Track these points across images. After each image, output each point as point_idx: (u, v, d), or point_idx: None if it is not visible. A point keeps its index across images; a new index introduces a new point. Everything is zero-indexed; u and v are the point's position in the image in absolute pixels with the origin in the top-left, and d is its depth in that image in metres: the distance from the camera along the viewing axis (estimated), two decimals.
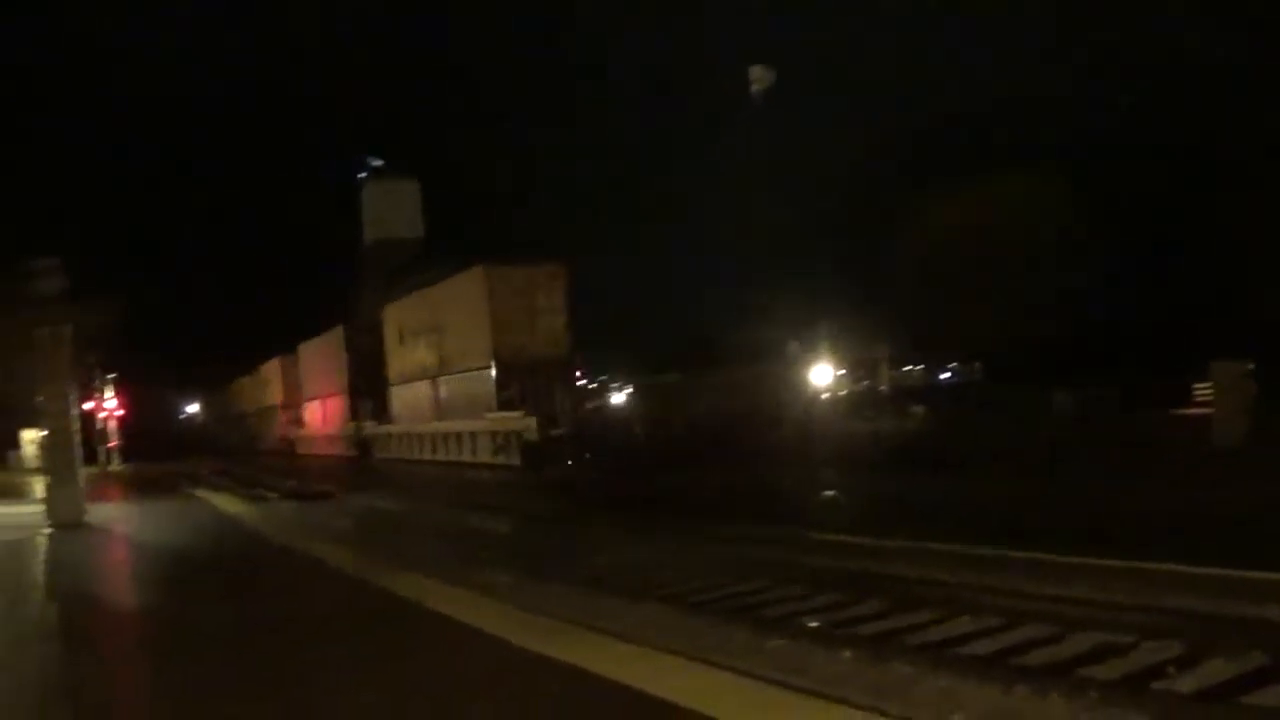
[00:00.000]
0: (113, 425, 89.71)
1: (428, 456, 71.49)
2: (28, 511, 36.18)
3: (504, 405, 62.59)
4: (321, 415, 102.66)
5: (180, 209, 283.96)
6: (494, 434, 62.11)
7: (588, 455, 53.86)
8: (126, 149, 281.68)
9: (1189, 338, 64.66)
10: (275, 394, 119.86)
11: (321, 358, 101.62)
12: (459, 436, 68.01)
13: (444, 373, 73.18)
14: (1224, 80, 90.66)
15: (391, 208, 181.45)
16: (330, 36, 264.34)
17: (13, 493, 50.06)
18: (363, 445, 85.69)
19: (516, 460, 58.22)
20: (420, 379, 77.37)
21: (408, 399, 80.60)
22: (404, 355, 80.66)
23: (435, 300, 74.71)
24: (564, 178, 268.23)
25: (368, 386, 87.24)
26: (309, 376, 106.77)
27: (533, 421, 57.79)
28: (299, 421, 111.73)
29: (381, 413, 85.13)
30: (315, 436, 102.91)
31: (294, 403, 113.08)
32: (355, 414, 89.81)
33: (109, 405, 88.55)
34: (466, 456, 65.37)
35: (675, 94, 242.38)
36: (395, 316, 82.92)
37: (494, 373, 64.48)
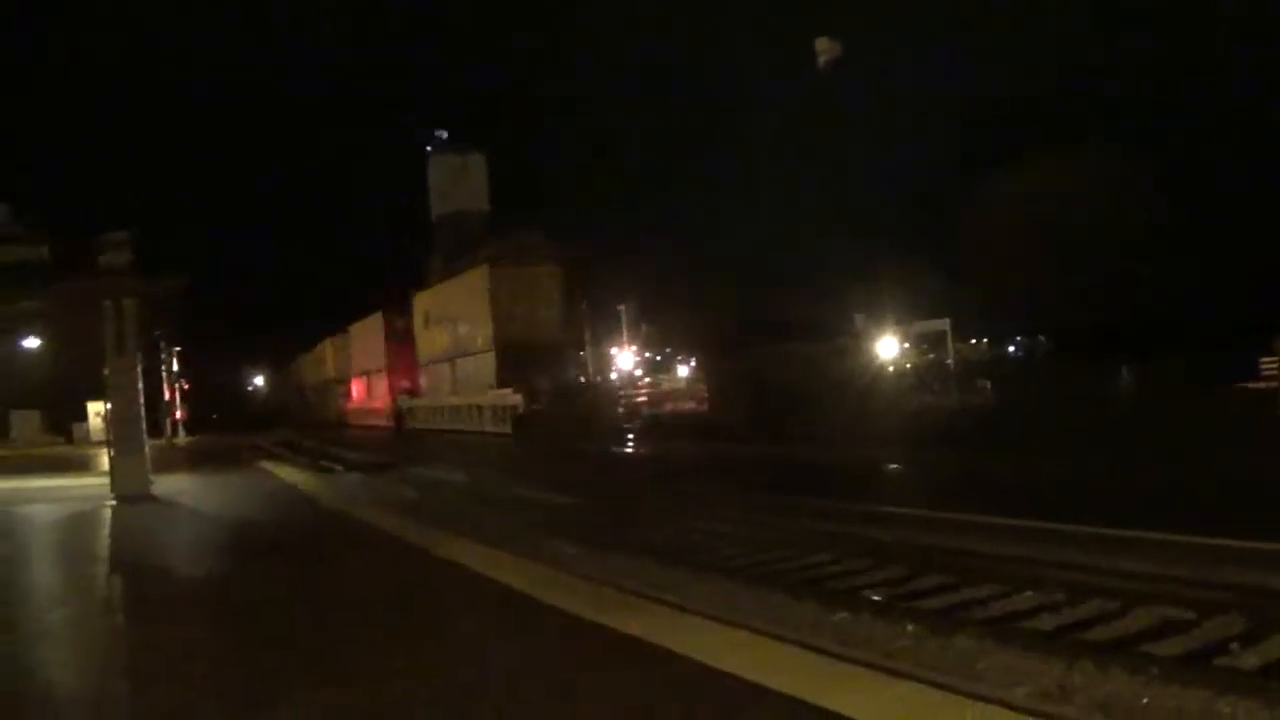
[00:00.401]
0: (178, 398, 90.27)
1: (446, 426, 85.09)
2: (93, 484, 36.39)
3: (504, 384, 76.34)
4: (367, 389, 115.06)
5: (245, 185, 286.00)
6: (494, 408, 76.95)
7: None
8: (190, 126, 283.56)
9: (1254, 313, 64.34)
10: (329, 370, 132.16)
11: (365, 338, 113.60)
12: (469, 409, 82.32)
13: (458, 354, 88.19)
14: None
15: (458, 181, 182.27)
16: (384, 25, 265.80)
17: (79, 465, 50.40)
18: (399, 417, 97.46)
19: (509, 429, 72.23)
20: (442, 360, 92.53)
21: (432, 376, 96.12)
22: (429, 339, 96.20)
23: (451, 292, 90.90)
24: (624, 156, 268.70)
25: (403, 364, 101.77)
26: (356, 355, 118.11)
27: (520, 398, 72.62)
28: (348, 394, 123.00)
29: (413, 388, 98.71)
30: (361, 409, 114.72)
31: (344, 378, 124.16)
32: (392, 389, 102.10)
33: (174, 378, 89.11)
34: (475, 426, 78.63)
35: (739, 69, 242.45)
36: (422, 304, 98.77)
37: (494, 356, 79.40)
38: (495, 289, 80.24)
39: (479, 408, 79.81)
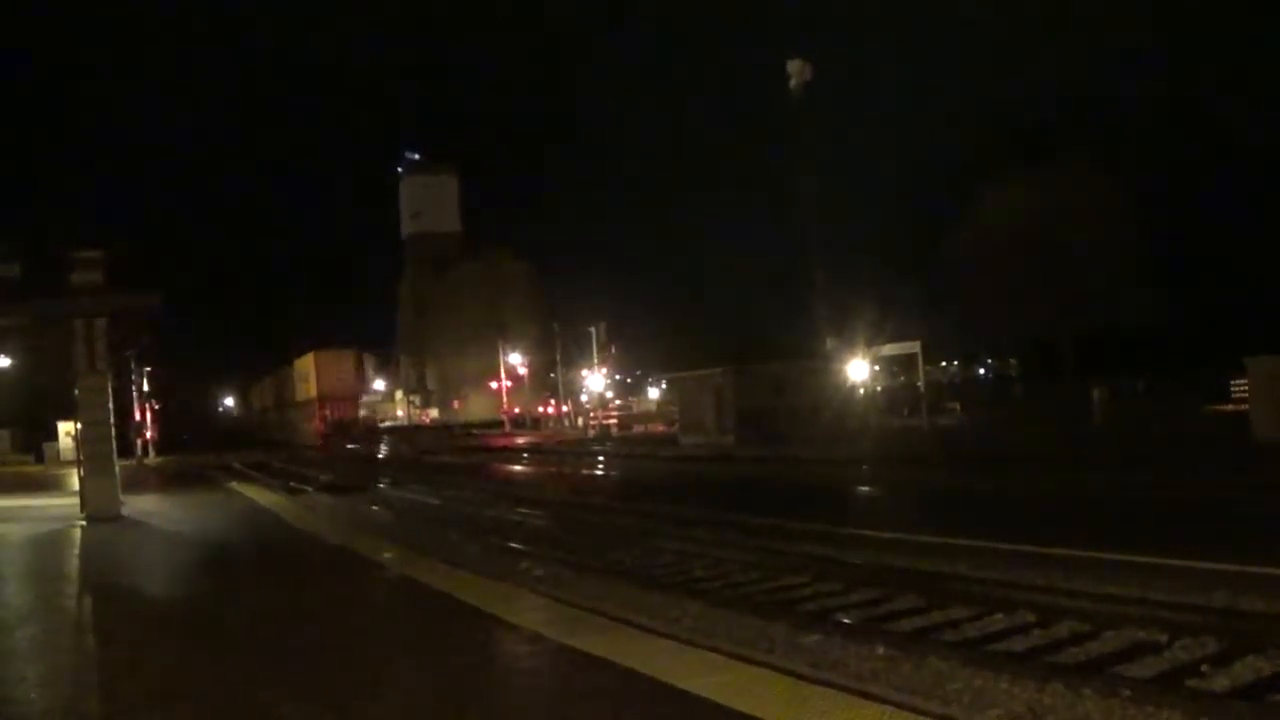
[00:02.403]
0: (149, 418, 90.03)
1: (304, 443, 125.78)
2: (63, 504, 36.28)
3: (320, 420, 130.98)
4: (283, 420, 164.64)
5: (219, 207, 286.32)
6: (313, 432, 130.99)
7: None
8: (167, 149, 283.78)
9: (1225, 333, 64.52)
10: (268, 399, 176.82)
11: (283, 381, 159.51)
12: (310, 433, 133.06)
13: (304, 400, 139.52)
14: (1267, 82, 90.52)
15: (429, 202, 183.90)
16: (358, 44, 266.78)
17: (49, 485, 50.19)
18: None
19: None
20: (303, 402, 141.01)
21: (301, 411, 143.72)
22: (298, 389, 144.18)
23: (301, 364, 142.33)
24: (598, 179, 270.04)
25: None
26: (284, 391, 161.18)
27: (320, 426, 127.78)
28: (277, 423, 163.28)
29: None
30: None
31: (272, 408, 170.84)
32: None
33: (145, 398, 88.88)
34: (310, 442, 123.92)
35: (717, 92, 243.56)
36: (297, 366, 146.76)
37: (317, 402, 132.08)
38: (319, 365, 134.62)
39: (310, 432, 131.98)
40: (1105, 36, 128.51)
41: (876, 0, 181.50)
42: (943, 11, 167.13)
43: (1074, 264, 71.41)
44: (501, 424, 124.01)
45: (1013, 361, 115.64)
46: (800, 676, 10.53)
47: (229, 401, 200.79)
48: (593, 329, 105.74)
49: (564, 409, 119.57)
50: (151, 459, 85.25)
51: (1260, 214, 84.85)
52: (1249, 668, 12.25)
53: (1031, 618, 15.03)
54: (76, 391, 31.67)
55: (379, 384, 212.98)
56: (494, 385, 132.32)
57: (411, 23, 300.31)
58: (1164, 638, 13.48)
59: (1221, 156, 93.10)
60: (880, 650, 13.93)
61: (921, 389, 68.86)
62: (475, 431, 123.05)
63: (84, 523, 29.95)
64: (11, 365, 68.55)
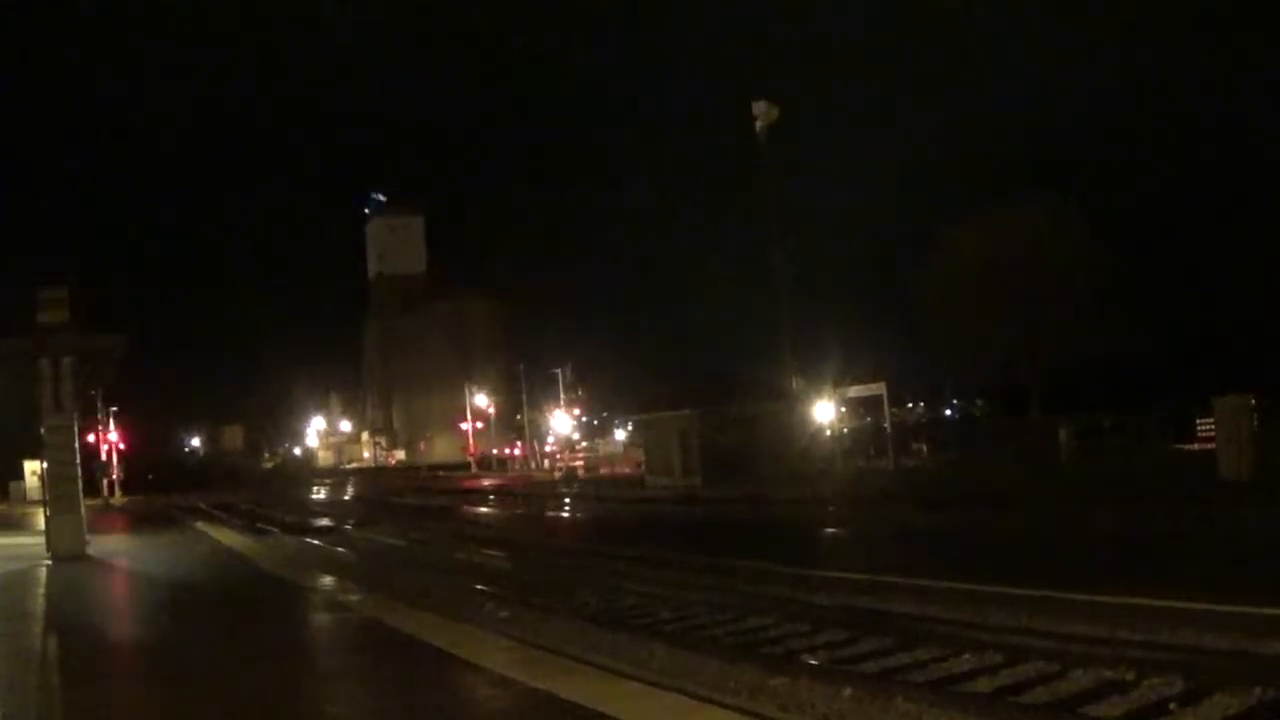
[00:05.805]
0: (115, 458, 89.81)
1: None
2: (29, 543, 36.11)
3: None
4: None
5: (185, 246, 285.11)
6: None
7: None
8: (131, 187, 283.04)
9: (1191, 371, 64.78)
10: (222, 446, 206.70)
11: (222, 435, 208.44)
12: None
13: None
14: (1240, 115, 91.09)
15: (396, 243, 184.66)
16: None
17: (14, 524, 49.95)
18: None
19: None
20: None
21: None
22: (224, 443, 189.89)
23: (219, 429, 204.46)
24: (575, 223, 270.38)
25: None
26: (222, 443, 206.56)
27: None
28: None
29: None
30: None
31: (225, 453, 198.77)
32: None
33: (111, 437, 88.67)
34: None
35: (685, 133, 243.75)
36: (223, 431, 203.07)
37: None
38: (223, 434, 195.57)
39: None
40: (1072, 71, 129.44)
41: (844, 39, 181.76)
42: (909, 50, 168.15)
43: (1041, 301, 71.55)
44: (468, 465, 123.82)
45: (979, 402, 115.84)
46: (768, 718, 10.51)
47: (195, 442, 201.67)
48: (559, 370, 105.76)
49: (531, 450, 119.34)
50: (118, 499, 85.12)
51: (1233, 251, 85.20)
52: (1217, 706, 12.25)
53: (999, 658, 15.01)
54: (43, 431, 31.55)
55: (344, 425, 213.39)
56: (461, 426, 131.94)
57: (377, 60, 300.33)
58: (1131, 676, 13.48)
59: (1189, 189, 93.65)
60: (848, 691, 13.88)
61: (887, 430, 68.90)
62: (441, 473, 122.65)
63: (49, 562, 29.82)
64: None
